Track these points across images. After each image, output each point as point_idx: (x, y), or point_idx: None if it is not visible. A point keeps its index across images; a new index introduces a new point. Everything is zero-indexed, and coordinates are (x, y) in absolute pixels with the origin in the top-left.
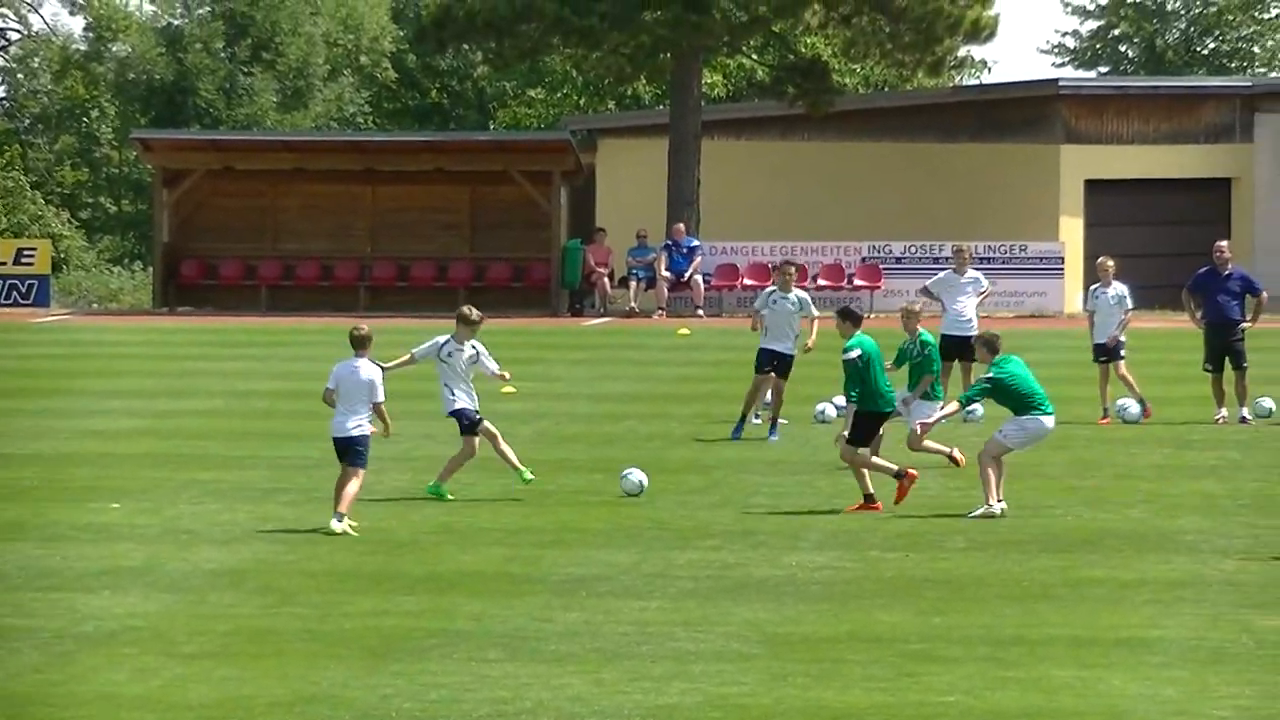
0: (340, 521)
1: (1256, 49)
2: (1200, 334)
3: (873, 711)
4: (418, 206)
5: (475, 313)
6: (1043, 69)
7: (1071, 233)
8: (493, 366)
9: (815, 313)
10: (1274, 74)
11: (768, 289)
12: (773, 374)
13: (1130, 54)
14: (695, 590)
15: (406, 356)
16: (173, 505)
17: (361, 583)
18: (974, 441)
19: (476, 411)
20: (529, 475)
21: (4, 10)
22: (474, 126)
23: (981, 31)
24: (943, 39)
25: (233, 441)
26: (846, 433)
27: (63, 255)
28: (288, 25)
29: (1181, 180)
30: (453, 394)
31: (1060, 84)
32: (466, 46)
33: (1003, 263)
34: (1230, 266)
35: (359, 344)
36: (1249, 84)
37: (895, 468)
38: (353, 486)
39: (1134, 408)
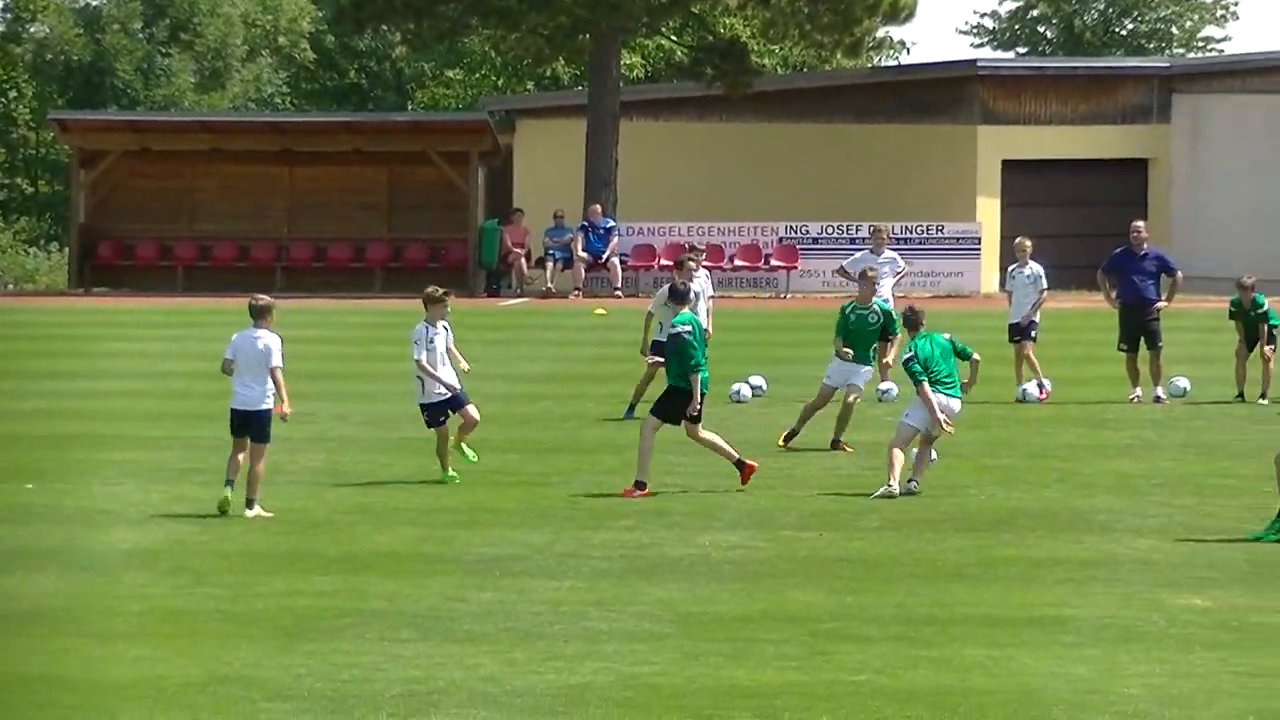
0: (253, 509)
1: (1175, 29)
2: (1116, 314)
3: (785, 690)
4: (335, 187)
5: (439, 290)
6: (961, 50)
7: (988, 213)
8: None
9: (710, 293)
10: (1192, 55)
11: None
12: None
13: (1049, 35)
14: (609, 570)
15: (421, 370)
16: (87, 486)
17: (275, 563)
18: (888, 421)
19: (460, 389)
20: (472, 456)
21: None
22: (392, 107)
23: (900, 12)
24: (861, 20)
25: (149, 422)
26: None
27: None
28: (206, 6)
29: (1098, 161)
30: (424, 387)
31: (978, 65)
32: (385, 27)
33: (920, 243)
34: (1146, 246)
35: (258, 314)
36: (1166, 65)
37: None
38: (260, 467)
39: (1033, 389)
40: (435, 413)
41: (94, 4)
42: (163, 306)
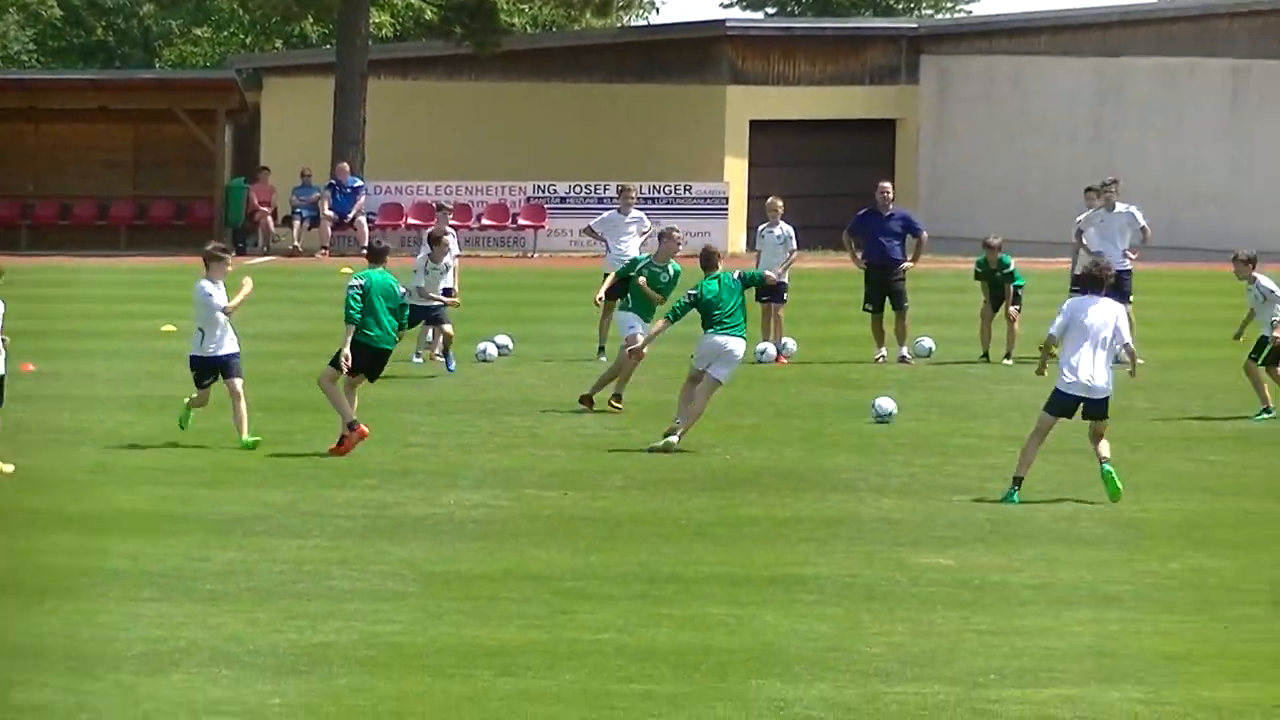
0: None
1: None
2: (861, 274)
3: (527, 648)
4: (81, 145)
5: (218, 247)
6: (711, 10)
7: (736, 174)
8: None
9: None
10: (940, 16)
11: (422, 257)
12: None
13: None
14: (352, 529)
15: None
16: None
17: (15, 521)
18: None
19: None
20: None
21: None
22: (140, 65)
23: None
24: None
25: None
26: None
27: None
28: None
29: (846, 121)
30: (203, 339)
31: (727, 25)
32: None
33: (668, 203)
34: (892, 207)
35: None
36: (914, 26)
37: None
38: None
39: (772, 350)
40: (204, 373)
41: None
42: None
